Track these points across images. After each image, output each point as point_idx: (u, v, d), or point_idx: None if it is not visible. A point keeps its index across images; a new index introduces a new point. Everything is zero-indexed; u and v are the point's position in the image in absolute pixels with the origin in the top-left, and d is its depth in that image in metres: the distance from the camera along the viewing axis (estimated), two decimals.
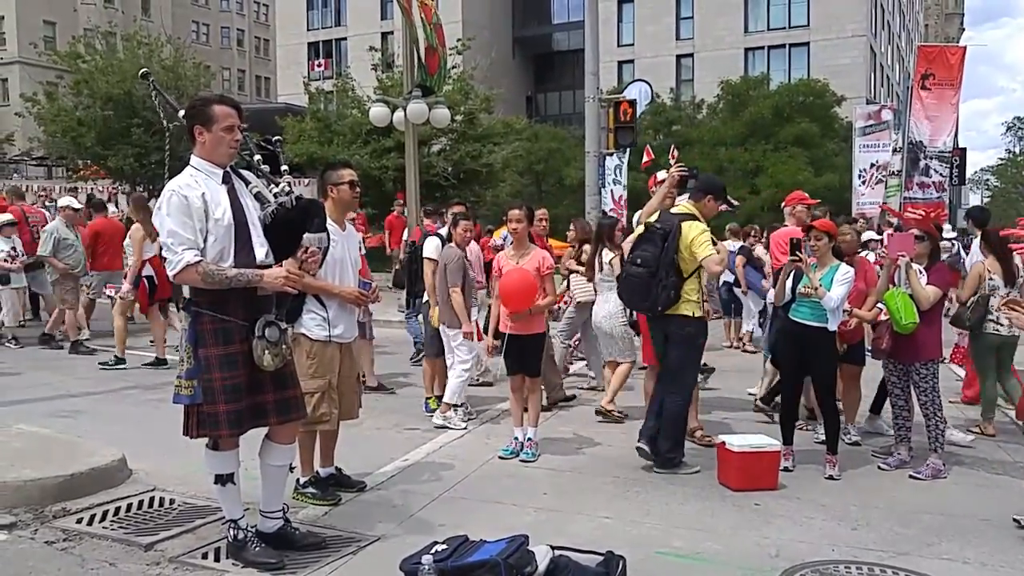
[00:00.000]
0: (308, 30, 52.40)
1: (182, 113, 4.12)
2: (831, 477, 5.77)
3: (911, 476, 5.82)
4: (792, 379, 6.13)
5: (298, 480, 5.09)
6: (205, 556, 4.24)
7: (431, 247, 7.61)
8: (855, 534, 4.77)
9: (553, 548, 4.09)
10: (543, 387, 7.78)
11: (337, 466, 5.34)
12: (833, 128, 34.05)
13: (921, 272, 6.02)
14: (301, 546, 4.28)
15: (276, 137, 4.62)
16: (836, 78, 36.16)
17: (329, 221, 4.92)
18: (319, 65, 48.82)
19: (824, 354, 5.91)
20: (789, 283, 6.04)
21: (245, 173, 4.16)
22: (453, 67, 21.40)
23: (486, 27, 45.07)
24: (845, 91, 35.31)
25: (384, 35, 42.88)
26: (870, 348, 6.58)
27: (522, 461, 6.10)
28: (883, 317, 6.15)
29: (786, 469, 5.79)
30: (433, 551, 3.94)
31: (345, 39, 49.65)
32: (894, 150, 15.68)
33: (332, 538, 4.45)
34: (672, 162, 7.23)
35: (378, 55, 25.73)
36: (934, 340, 6.08)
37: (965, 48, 15.39)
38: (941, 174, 13.10)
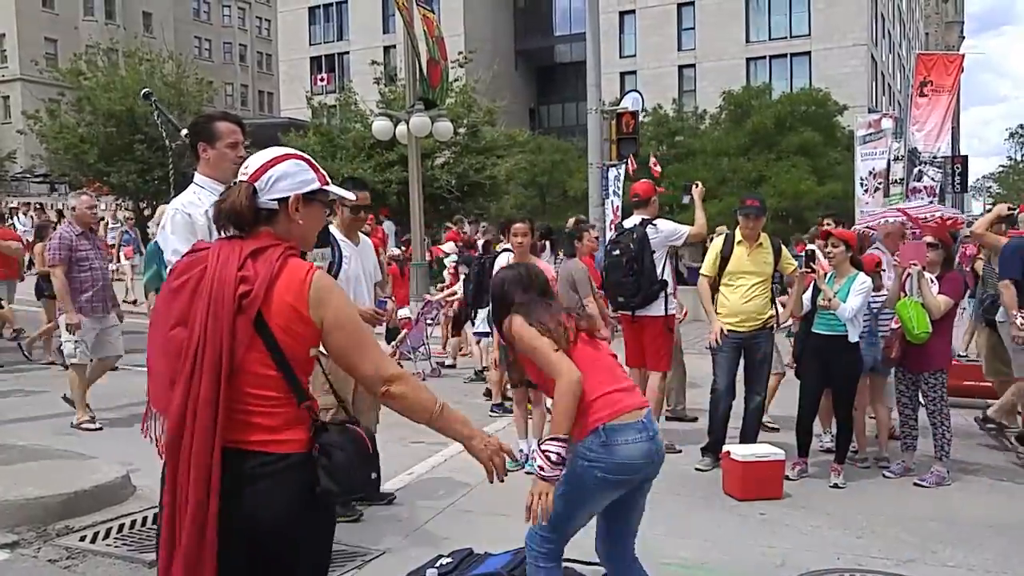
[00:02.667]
0: (311, 44, 52.63)
1: (184, 132, 4.16)
2: (836, 485, 5.77)
3: (915, 484, 5.81)
4: (812, 391, 6.06)
5: None
6: None
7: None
8: (860, 542, 4.77)
9: None
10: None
11: None
12: (835, 137, 34.06)
13: (933, 281, 5.94)
14: None
15: None
16: (838, 87, 36.20)
17: (341, 237, 4.95)
18: (322, 79, 48.96)
19: (844, 364, 5.86)
20: (808, 295, 6.03)
21: None
22: (455, 80, 21.46)
23: (488, 40, 45.23)
24: (847, 100, 35.33)
25: (386, 48, 43.07)
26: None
27: (528, 473, 6.09)
28: (894, 326, 6.13)
29: (787, 478, 5.76)
30: (438, 564, 3.94)
31: (348, 53, 49.85)
32: (895, 158, 15.66)
33: (337, 552, 4.42)
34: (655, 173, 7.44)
35: (381, 69, 25.83)
36: (944, 349, 6.04)
37: (963, 56, 15.41)
38: (934, 179, 13.08)
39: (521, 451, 6.24)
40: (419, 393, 2.40)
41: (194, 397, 2.20)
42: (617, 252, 6.78)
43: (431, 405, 2.39)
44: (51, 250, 7.49)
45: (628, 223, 6.94)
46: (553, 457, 2.99)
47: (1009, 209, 7.56)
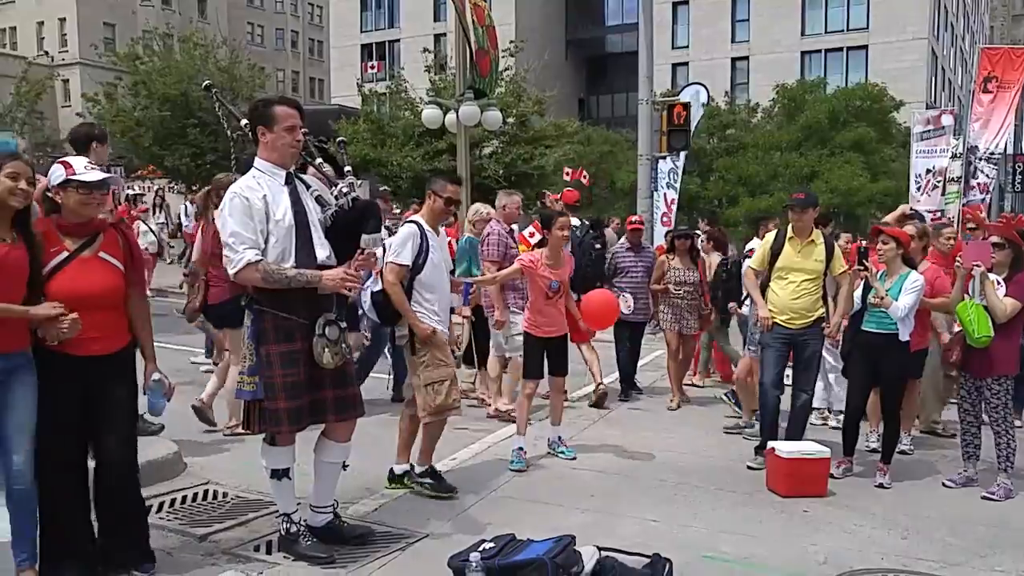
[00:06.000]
0: (362, 32, 52.88)
1: (244, 122, 4.24)
2: (881, 485, 5.71)
3: (983, 497, 5.56)
4: (860, 388, 5.98)
5: (412, 467, 5.25)
6: (257, 548, 4.34)
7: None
8: (905, 543, 4.71)
9: (600, 549, 4.11)
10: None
11: (432, 466, 5.39)
12: (891, 133, 33.38)
13: (1000, 283, 5.69)
14: (351, 541, 4.36)
15: (340, 139, 4.72)
16: (895, 82, 35.40)
17: (428, 228, 5.12)
18: (372, 67, 49.23)
19: (893, 363, 5.78)
20: (858, 293, 5.95)
21: (306, 177, 4.27)
22: (506, 69, 21.42)
23: (539, 29, 45.09)
24: (904, 95, 34.51)
25: (437, 37, 43.10)
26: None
27: (563, 457, 6.19)
28: (956, 328, 5.97)
29: (832, 476, 5.70)
30: (481, 549, 3.98)
31: (398, 41, 50.01)
32: (953, 156, 15.32)
33: (382, 534, 4.53)
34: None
35: (431, 57, 25.87)
36: (1010, 355, 5.73)
37: None
38: (988, 175, 12.85)
39: (520, 448, 6.11)
40: None
41: None
42: (600, 245, 8.81)
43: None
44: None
45: (575, 221, 8.68)
46: None
47: (911, 210, 8.53)
